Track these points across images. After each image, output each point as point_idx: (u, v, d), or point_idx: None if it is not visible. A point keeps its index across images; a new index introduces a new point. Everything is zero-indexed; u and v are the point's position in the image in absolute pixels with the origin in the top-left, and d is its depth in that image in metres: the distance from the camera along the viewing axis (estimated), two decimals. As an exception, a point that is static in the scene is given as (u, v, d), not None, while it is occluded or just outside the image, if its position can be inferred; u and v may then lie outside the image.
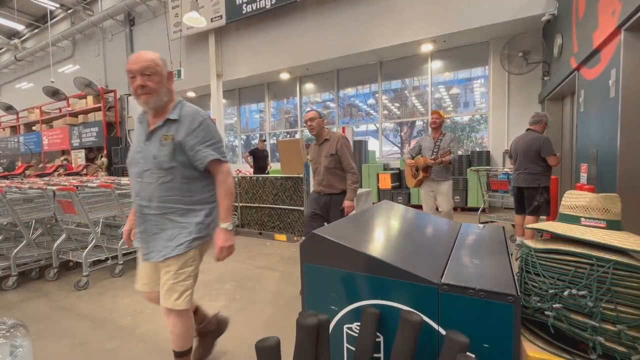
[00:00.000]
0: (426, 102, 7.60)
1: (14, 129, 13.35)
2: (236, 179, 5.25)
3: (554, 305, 0.73)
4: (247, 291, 2.84)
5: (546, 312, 0.75)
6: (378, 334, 0.74)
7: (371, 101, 8.46)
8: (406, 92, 7.95)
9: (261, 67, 8.37)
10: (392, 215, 1.27)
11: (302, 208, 4.56)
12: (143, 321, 2.34)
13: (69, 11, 11.89)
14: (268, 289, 2.89)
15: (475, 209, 5.82)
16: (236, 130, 10.73)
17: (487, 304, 0.66)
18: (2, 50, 15.34)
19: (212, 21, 8.22)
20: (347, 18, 7.06)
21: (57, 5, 11.70)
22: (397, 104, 8.19)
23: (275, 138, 9.99)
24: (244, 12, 7.78)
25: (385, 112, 8.25)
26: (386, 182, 6.76)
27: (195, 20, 6.55)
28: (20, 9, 11.95)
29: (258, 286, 2.95)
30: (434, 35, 6.30)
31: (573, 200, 0.91)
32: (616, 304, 0.68)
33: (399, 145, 8.31)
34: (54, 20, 12.40)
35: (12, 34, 14.19)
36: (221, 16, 8.12)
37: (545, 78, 5.62)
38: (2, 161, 12.42)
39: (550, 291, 0.75)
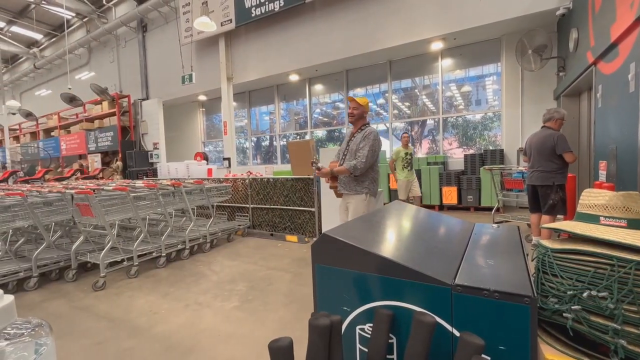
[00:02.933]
0: (437, 101, 7.51)
1: (34, 135, 13.81)
2: (247, 180, 5.30)
3: (572, 307, 0.71)
4: (259, 292, 2.86)
5: (564, 314, 0.73)
6: (391, 335, 0.73)
7: (381, 101, 8.41)
8: (416, 91, 7.88)
9: (271, 70, 8.43)
10: (404, 215, 1.26)
11: (312, 209, 4.57)
12: (158, 321, 2.39)
13: (84, 19, 12.25)
14: (280, 289, 2.90)
15: (489, 209, 5.72)
16: (247, 132, 10.83)
17: (502, 306, 0.65)
18: (22, 59, 15.91)
19: (222, 25, 8.33)
20: (356, 18, 7.04)
21: (73, 14, 12.06)
22: (407, 103, 8.12)
23: (285, 139, 10.04)
24: (253, 15, 7.86)
25: (395, 111, 8.19)
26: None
27: (206, 25, 6.65)
28: (38, 19, 12.38)
29: (270, 287, 2.96)
30: (444, 33, 6.23)
31: (591, 198, 0.88)
32: (639, 305, 0.65)
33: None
34: (71, 28, 12.78)
35: (31, 43, 14.70)
36: (231, 20, 8.22)
37: (561, 74, 5.48)
38: (23, 166, 12.87)
39: (569, 292, 0.72)
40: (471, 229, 1.14)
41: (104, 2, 11.21)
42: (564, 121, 3.56)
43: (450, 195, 6.41)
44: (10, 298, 0.31)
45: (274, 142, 10.37)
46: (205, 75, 9.27)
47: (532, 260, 0.92)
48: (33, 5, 11.48)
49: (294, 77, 8.92)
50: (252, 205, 5.23)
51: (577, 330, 0.72)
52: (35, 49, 14.69)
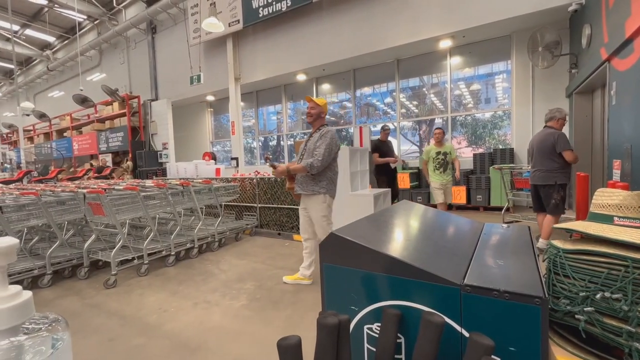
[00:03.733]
0: (445, 100, 7.43)
1: (47, 136, 14.12)
2: (255, 180, 5.33)
3: (585, 309, 0.70)
4: (267, 291, 2.88)
5: (577, 316, 0.72)
6: (399, 334, 0.73)
7: (388, 100, 8.36)
8: (424, 89, 7.81)
9: (278, 69, 8.46)
10: (412, 215, 1.25)
11: (320, 208, 4.56)
12: (168, 319, 2.42)
13: (95, 22, 12.47)
14: (287, 289, 2.91)
15: (499, 208, 5.64)
16: (254, 132, 10.89)
17: (512, 306, 0.64)
18: (36, 62, 16.28)
19: (229, 26, 8.38)
20: (363, 17, 7.01)
21: (85, 17, 12.29)
22: (415, 102, 8.06)
23: (292, 139, 10.06)
24: (260, 15, 7.89)
25: (403, 110, 8.14)
26: (405, 182, 6.66)
27: (214, 26, 6.71)
28: (51, 21, 12.65)
29: (277, 286, 2.98)
30: (452, 31, 6.16)
31: (605, 198, 0.86)
32: (654, 308, 0.64)
33: (418, 144, 8.17)
34: (82, 31, 13.03)
35: (45, 46, 15.03)
36: (238, 20, 8.27)
37: (573, 71, 5.37)
38: (37, 166, 13.17)
39: (581, 294, 0.71)
40: (480, 229, 1.13)
41: (115, 4, 11.39)
42: (565, 121, 3.55)
43: (459, 194, 6.34)
44: (28, 294, 0.32)
45: (281, 142, 10.40)
46: (213, 76, 9.35)
47: (543, 261, 0.91)
48: (46, 9, 11.73)
49: (301, 77, 8.93)
50: (259, 205, 5.26)
51: (590, 332, 0.70)
52: (48, 52, 15.02)
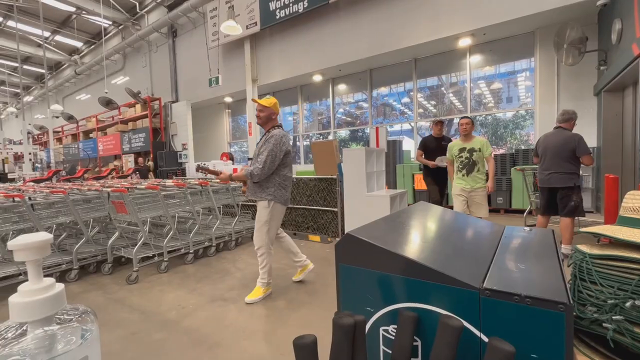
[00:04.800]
0: (465, 99, 7.27)
1: (75, 137, 14.78)
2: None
3: (614, 317, 0.67)
4: (282, 290, 2.90)
5: (604, 325, 0.68)
6: (416, 337, 0.72)
7: (406, 100, 8.26)
8: (443, 89, 7.67)
9: (294, 70, 8.51)
10: (429, 216, 1.23)
11: (335, 209, 4.57)
12: (186, 315, 2.48)
13: (120, 27, 12.95)
14: (302, 289, 2.92)
15: (520, 211, 5.46)
16: (271, 132, 11.00)
17: (534, 312, 0.62)
18: (64, 66, 17.08)
19: (247, 28, 8.52)
20: (381, 16, 6.96)
21: (110, 23, 12.79)
22: (433, 102, 7.92)
23: (308, 140, 10.10)
24: (277, 17, 7.97)
25: (421, 110, 8.01)
26: (422, 183, 6.55)
27: (232, 29, 6.83)
28: (79, 27, 13.24)
29: (293, 286, 2.99)
30: (473, 29, 6.02)
31: (636, 201, 0.82)
32: (691, 318, 0.60)
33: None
34: (107, 36, 13.56)
35: (73, 51, 15.74)
36: (256, 23, 8.39)
37: (602, 68, 5.14)
38: (65, 165, 13.80)
39: (610, 301, 0.68)
40: (501, 232, 1.10)
41: (138, 9, 11.80)
42: (575, 124, 3.52)
43: (478, 196, 6.18)
44: (61, 286, 0.34)
45: (297, 143, 10.46)
46: (231, 78, 9.52)
47: (568, 266, 0.87)
48: (74, 15, 12.29)
49: (317, 78, 8.96)
50: (275, 205, 5.30)
51: (619, 341, 0.67)
52: (76, 56, 15.72)
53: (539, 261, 0.83)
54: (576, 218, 4.12)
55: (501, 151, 6.93)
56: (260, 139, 2.69)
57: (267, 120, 2.68)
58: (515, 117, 6.95)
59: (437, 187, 4.69)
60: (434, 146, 4.62)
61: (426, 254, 0.80)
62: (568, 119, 3.44)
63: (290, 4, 7.67)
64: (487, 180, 3.72)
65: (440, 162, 4.45)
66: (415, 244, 0.90)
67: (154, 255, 3.55)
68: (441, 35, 6.31)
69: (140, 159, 10.28)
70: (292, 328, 2.25)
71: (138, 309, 2.62)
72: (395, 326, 0.73)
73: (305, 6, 7.46)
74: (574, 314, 0.75)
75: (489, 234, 1.09)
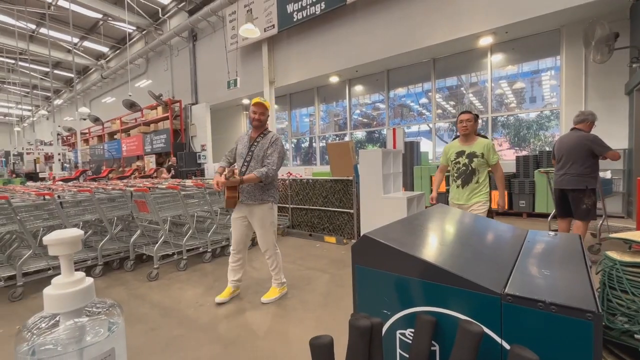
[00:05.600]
0: (485, 99, 7.08)
1: (100, 138, 15.40)
2: (287, 181, 5.42)
3: (646, 328, 0.63)
4: (297, 291, 2.91)
5: (636, 336, 0.65)
6: (433, 342, 0.71)
7: (424, 100, 8.14)
8: (462, 89, 7.51)
9: (312, 72, 8.55)
10: (448, 219, 1.20)
11: (351, 210, 4.55)
12: (204, 313, 2.53)
13: (143, 32, 13.42)
14: (318, 289, 2.93)
15: (544, 215, 5.26)
16: (287, 134, 11.09)
17: (559, 320, 0.59)
18: (92, 71, 17.85)
19: (265, 31, 8.63)
20: (399, 16, 6.90)
21: (134, 28, 13.28)
22: (452, 102, 7.77)
23: (324, 141, 10.12)
24: (294, 19, 8.04)
25: (439, 111, 7.87)
26: (442, 185, 6.43)
27: (250, 32, 6.94)
28: (105, 33, 13.81)
29: (308, 286, 3.00)
30: (494, 27, 5.87)
31: (672, 206, 0.78)
32: None
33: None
34: (132, 41, 14.08)
35: (99, 56, 16.43)
36: (273, 25, 8.49)
37: (634, 65, 4.89)
38: (91, 165, 14.40)
39: (642, 311, 0.65)
40: (524, 236, 1.06)
41: (160, 15, 12.19)
42: (595, 126, 3.42)
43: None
44: (90, 280, 0.35)
45: (314, 144, 10.49)
46: (249, 80, 9.67)
47: (597, 273, 0.83)
48: (101, 22, 12.83)
49: (334, 79, 8.96)
50: (291, 206, 5.34)
51: (653, 354, 0.64)
52: (102, 61, 16.40)
53: (564, 267, 0.79)
54: (606, 223, 3.94)
55: (524, 153, 6.70)
56: (254, 141, 2.64)
57: (265, 122, 2.68)
58: (539, 118, 6.71)
59: None
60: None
61: (445, 257, 0.79)
62: (583, 119, 3.37)
63: (308, 6, 7.72)
64: (489, 194, 2.97)
65: None
66: (433, 246, 0.88)
67: (173, 254, 3.65)
68: (461, 35, 6.18)
69: (174, 158, 10.59)
70: (307, 329, 2.25)
71: (158, 305, 2.70)
72: (413, 330, 0.72)
73: (322, 8, 7.49)
74: (603, 323, 0.71)
75: (511, 238, 1.05)
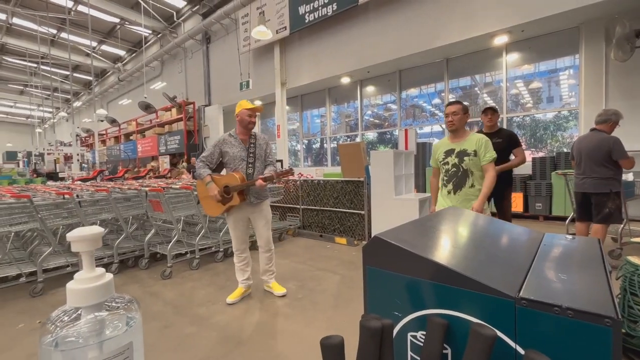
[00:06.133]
0: (500, 99, 6.95)
1: (117, 139, 15.81)
2: (298, 182, 5.44)
3: (670, 336, 0.61)
4: (308, 291, 2.92)
5: (659, 343, 0.63)
6: (445, 345, 0.70)
7: (436, 101, 8.04)
8: (476, 89, 7.38)
9: (323, 73, 8.56)
10: (461, 221, 1.19)
11: (362, 212, 4.53)
12: (215, 312, 2.56)
13: (158, 35, 13.72)
14: (328, 290, 2.92)
15: (561, 218, 5.12)
16: (298, 135, 11.13)
17: (576, 326, 0.58)
18: (109, 73, 18.35)
19: (277, 33, 8.70)
20: (411, 16, 6.84)
21: (150, 32, 13.59)
22: (466, 103, 7.62)
23: (335, 142, 10.11)
24: (306, 21, 8.07)
25: (452, 111, 7.74)
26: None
27: (262, 34, 7.00)
28: (122, 37, 14.18)
29: (319, 287, 3.00)
30: (509, 26, 5.75)
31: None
32: None
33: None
34: (147, 44, 14.41)
35: (116, 59, 16.88)
36: (285, 27, 8.54)
37: (657, 63, 4.71)
38: (107, 166, 14.80)
39: (665, 318, 0.62)
40: (540, 239, 1.04)
41: (175, 18, 12.44)
42: (618, 125, 3.26)
43: (514, 201, 5.88)
44: (110, 276, 0.36)
45: (325, 145, 10.50)
46: (261, 81, 9.75)
47: (617, 279, 0.80)
48: (118, 26, 13.18)
49: (345, 80, 8.95)
50: (302, 206, 5.36)
51: (676, 363, 0.61)
52: (119, 64, 16.84)
53: (582, 271, 0.77)
54: (627, 227, 3.81)
55: (540, 154, 6.54)
56: (250, 143, 2.70)
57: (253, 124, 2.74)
58: (556, 118, 6.53)
59: (496, 204, 3.42)
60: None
61: (457, 260, 0.78)
62: (605, 120, 3.23)
63: (320, 8, 7.74)
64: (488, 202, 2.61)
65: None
66: (445, 249, 0.87)
67: (186, 253, 3.71)
68: (475, 34, 6.08)
69: (193, 159, 10.79)
70: (318, 329, 2.25)
71: (171, 303, 2.75)
72: (424, 332, 0.72)
73: (334, 9, 7.49)
74: (623, 331, 0.69)
75: (526, 241, 1.03)
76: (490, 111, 3.41)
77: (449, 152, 2.53)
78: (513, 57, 6.70)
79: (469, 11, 6.09)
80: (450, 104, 2.52)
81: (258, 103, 11.27)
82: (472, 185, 2.44)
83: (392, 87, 8.59)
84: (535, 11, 5.39)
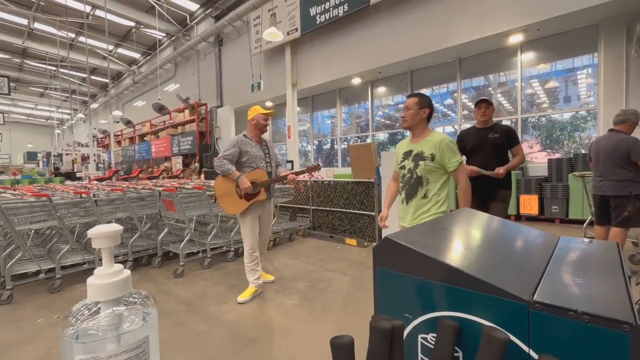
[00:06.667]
0: (515, 99, 6.81)
1: (132, 140, 16.17)
2: (308, 182, 5.46)
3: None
4: (318, 292, 2.92)
5: (681, 351, 0.60)
6: (456, 348, 0.69)
7: (449, 101, 7.94)
8: (490, 89, 7.25)
9: (334, 74, 8.57)
10: (474, 223, 1.17)
11: (372, 213, 4.51)
12: (226, 310, 2.59)
13: (172, 38, 13.98)
14: (338, 291, 2.92)
15: (579, 222, 4.98)
16: (309, 136, 11.16)
17: (592, 331, 0.57)
18: (125, 76, 18.81)
19: (288, 34, 8.75)
20: (423, 15, 6.78)
21: (164, 35, 13.86)
22: (478, 103, 7.51)
23: (346, 143, 10.09)
24: (317, 22, 8.09)
25: (465, 112, 7.64)
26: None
27: (274, 35, 7.06)
28: (137, 40, 14.50)
29: (329, 288, 3.00)
30: (525, 24, 5.63)
31: None
32: None
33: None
34: (161, 47, 14.70)
35: (132, 62, 17.28)
36: (296, 29, 8.59)
37: (680, 62, 4.54)
38: (122, 166, 15.15)
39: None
40: (555, 242, 1.01)
41: (188, 21, 12.65)
42: (638, 125, 3.16)
43: (529, 204, 5.75)
44: (128, 272, 0.38)
45: (335, 146, 10.50)
46: (272, 83, 9.82)
47: (637, 285, 0.78)
48: (134, 30, 13.50)
49: (356, 80, 8.93)
50: (312, 207, 5.37)
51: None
52: (134, 67, 17.24)
53: (600, 276, 0.75)
54: (646, 231, 3.68)
55: (557, 155, 6.38)
56: (263, 145, 2.99)
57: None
58: (574, 119, 6.36)
59: (479, 207, 2.71)
60: (475, 142, 2.90)
61: (469, 262, 0.77)
62: (624, 120, 3.14)
63: (331, 9, 7.75)
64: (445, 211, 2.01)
65: (487, 172, 2.75)
66: (458, 250, 0.86)
67: (198, 252, 3.77)
68: (489, 33, 5.98)
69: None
70: (328, 330, 2.26)
71: (183, 302, 2.80)
72: (435, 335, 0.71)
73: (345, 10, 7.49)
74: (643, 337, 0.67)
75: (541, 244, 1.01)
76: (485, 104, 2.90)
77: (407, 155, 2.12)
78: (528, 56, 6.56)
79: (482, 10, 6.00)
80: (408, 96, 2.14)
81: (269, 104, 11.38)
82: (425, 196, 2.02)
83: (404, 87, 8.52)
84: (552, 9, 5.27)
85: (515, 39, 6.19)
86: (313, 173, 3.02)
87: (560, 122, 6.52)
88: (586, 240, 1.04)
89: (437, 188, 2.01)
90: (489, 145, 2.83)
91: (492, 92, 7.21)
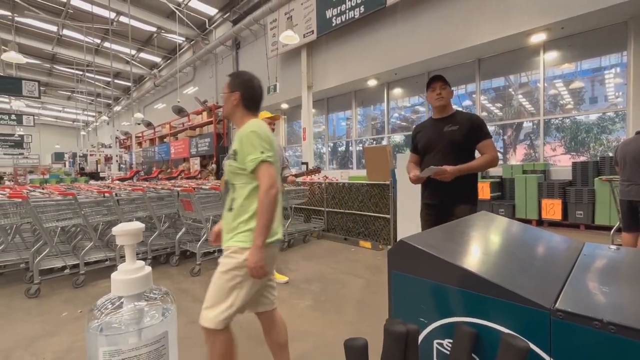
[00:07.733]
0: (537, 100, 6.60)
1: (152, 141, 16.67)
2: (323, 184, 5.46)
3: None
4: (332, 294, 2.91)
5: None
6: (473, 355, 0.68)
7: (467, 102, 7.78)
8: (511, 90, 7.06)
9: (349, 76, 8.56)
10: (493, 227, 1.14)
11: (387, 216, 4.46)
12: (241, 309, 2.62)
13: (191, 42, 14.35)
14: (352, 294, 2.90)
15: (606, 228, 4.77)
16: (324, 137, 11.18)
17: (618, 342, 0.54)
18: (146, 79, 19.43)
19: (304, 37, 8.80)
20: (441, 16, 6.68)
21: (184, 39, 14.25)
22: (498, 104, 7.33)
23: (361, 145, 10.05)
24: (333, 24, 8.11)
25: (485, 113, 7.46)
26: (485, 192, 6.09)
27: (290, 38, 7.12)
28: (158, 45, 14.97)
29: (343, 290, 2.99)
30: (548, 23, 5.45)
31: None
32: None
33: (502, 150, 7.40)
34: (181, 51, 15.11)
35: (153, 66, 17.84)
36: (312, 31, 8.63)
37: None
38: (143, 167, 15.62)
39: None
40: (579, 249, 0.97)
41: (207, 26, 12.95)
42: None
43: (552, 209, 5.55)
44: (149, 269, 0.39)
45: (350, 148, 10.46)
46: (288, 85, 9.91)
47: (668, 294, 0.74)
48: (155, 35, 13.94)
49: (372, 82, 8.89)
50: (327, 209, 5.37)
51: None
52: (155, 70, 17.79)
53: (627, 284, 0.72)
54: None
55: (582, 158, 6.13)
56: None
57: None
58: (600, 120, 6.10)
59: (433, 221, 2.16)
60: (428, 137, 2.21)
61: (488, 267, 0.75)
62: None
63: (347, 11, 7.76)
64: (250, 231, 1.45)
65: (428, 171, 2.01)
66: (475, 255, 0.84)
67: (214, 251, 3.84)
68: (510, 32, 5.82)
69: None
70: (341, 332, 2.25)
71: (199, 300, 2.85)
72: (451, 340, 0.70)
73: (361, 12, 7.47)
74: (675, 350, 0.63)
75: (565, 250, 0.97)
76: (440, 82, 2.18)
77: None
78: (551, 55, 6.35)
79: (502, 9, 5.85)
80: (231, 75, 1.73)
81: (285, 106, 11.49)
82: (231, 207, 1.49)
83: (421, 89, 8.41)
84: (578, 7, 5.08)
85: (538, 38, 6.00)
86: (313, 176, 3.12)
87: (585, 123, 6.27)
88: (613, 247, 1.00)
89: (242, 197, 1.45)
90: (445, 142, 2.09)
91: (513, 92, 7.01)
